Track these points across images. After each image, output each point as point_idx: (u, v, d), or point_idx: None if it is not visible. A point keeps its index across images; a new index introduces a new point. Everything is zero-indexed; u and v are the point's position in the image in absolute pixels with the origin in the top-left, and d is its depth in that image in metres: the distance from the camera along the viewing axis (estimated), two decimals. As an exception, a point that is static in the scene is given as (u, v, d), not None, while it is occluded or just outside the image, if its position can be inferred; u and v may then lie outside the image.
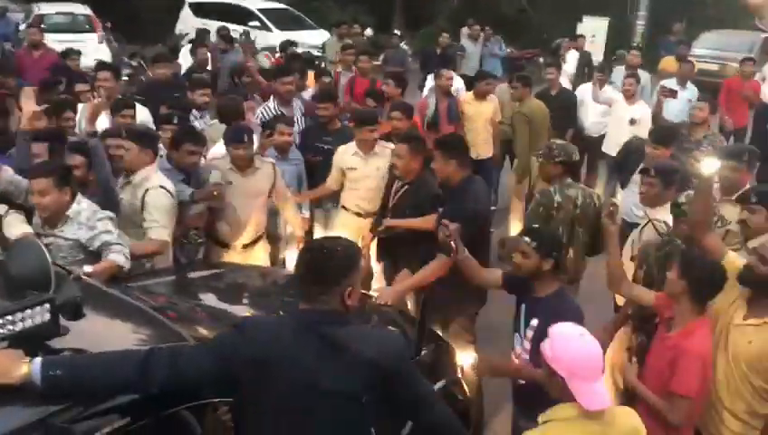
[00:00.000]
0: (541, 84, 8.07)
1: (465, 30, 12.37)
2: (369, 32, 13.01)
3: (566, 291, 3.24)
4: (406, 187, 4.42)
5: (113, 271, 3.33)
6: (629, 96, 7.11)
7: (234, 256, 4.55)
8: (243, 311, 3.37)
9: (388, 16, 19.41)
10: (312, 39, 13.32)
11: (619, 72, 8.40)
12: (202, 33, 10.10)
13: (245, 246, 4.62)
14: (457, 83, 7.56)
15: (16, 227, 3.30)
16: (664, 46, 12.00)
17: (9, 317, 1.96)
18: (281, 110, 5.75)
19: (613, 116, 7.31)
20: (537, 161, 4.65)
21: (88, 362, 2.05)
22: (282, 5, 16.30)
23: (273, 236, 4.95)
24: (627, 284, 3.44)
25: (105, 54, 11.29)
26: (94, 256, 3.46)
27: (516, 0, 19.47)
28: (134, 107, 5.21)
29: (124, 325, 2.52)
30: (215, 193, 4.30)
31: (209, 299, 3.55)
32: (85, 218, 3.48)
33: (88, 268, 3.18)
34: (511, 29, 16.45)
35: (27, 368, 1.92)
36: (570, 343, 2.28)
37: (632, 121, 7.02)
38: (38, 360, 1.94)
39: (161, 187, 3.97)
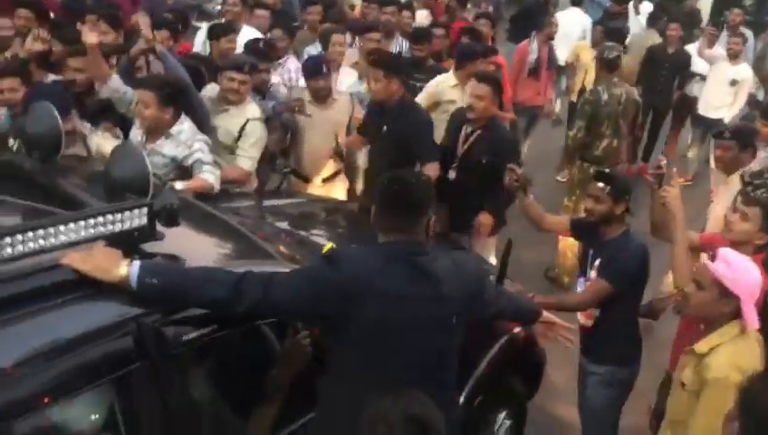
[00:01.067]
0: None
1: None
2: None
3: (631, 232, 3.23)
4: (477, 132, 4.23)
5: (203, 189, 3.44)
6: (734, 56, 6.80)
7: (314, 190, 4.62)
8: (325, 239, 3.39)
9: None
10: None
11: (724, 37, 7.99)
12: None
13: (325, 181, 4.68)
14: (584, 22, 7.72)
15: (107, 144, 3.41)
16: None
17: (109, 217, 2.01)
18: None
19: (714, 75, 6.98)
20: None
21: (183, 274, 2.08)
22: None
23: (352, 170, 4.96)
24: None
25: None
26: (186, 175, 3.58)
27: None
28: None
29: (215, 238, 2.57)
30: (296, 107, 4.42)
31: (294, 225, 3.60)
32: (185, 138, 3.60)
33: (179, 184, 3.28)
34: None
35: (126, 270, 1.95)
36: (749, 267, 2.39)
37: (733, 83, 6.77)
38: (137, 264, 1.96)
39: (260, 120, 4.12)
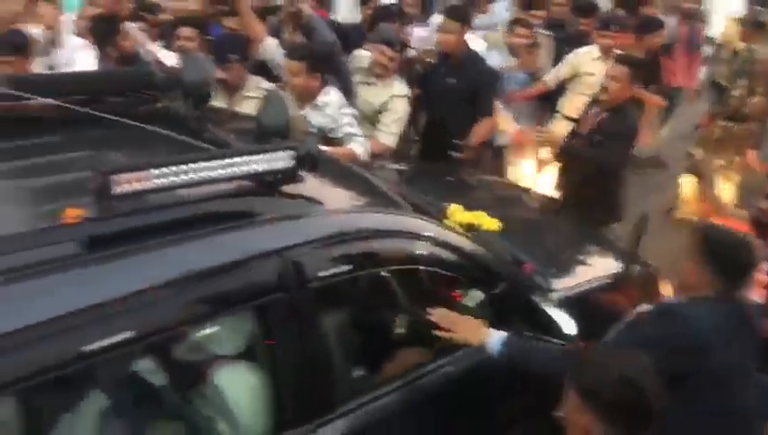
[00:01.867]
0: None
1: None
2: None
3: None
4: (606, 113, 4.10)
5: (350, 158, 3.55)
6: None
7: None
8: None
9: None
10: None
11: None
12: None
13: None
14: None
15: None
16: None
17: (256, 157, 2.11)
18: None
19: None
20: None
21: (534, 353, 2.30)
22: None
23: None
24: None
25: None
26: (329, 144, 3.74)
27: None
28: None
29: (350, 187, 2.65)
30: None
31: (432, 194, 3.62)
32: (331, 111, 3.74)
33: (325, 148, 3.43)
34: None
35: (486, 337, 2.28)
36: None
37: None
38: (497, 335, 2.27)
39: (405, 96, 4.18)
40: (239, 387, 2.10)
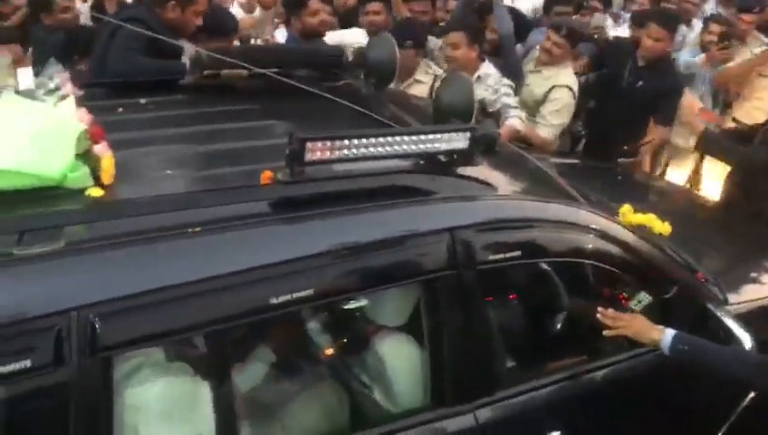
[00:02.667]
0: None
1: None
2: None
3: None
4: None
5: (513, 134, 3.53)
6: None
7: None
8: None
9: None
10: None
11: None
12: None
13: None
14: None
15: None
16: None
17: (436, 136, 2.15)
18: None
19: None
20: None
21: (710, 350, 2.22)
22: None
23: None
24: None
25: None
26: (486, 117, 3.73)
27: None
28: None
29: (524, 175, 2.63)
30: None
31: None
32: (493, 82, 3.72)
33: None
34: None
35: (659, 335, 2.22)
36: None
37: None
38: (670, 332, 2.21)
39: (569, 87, 4.01)
40: (401, 358, 2.17)
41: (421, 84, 3.95)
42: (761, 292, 2.92)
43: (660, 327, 2.24)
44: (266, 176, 1.92)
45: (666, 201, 3.79)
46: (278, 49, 2.95)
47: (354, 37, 4.09)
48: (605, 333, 2.25)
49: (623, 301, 2.57)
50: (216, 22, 3.35)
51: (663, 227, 3.02)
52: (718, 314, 2.44)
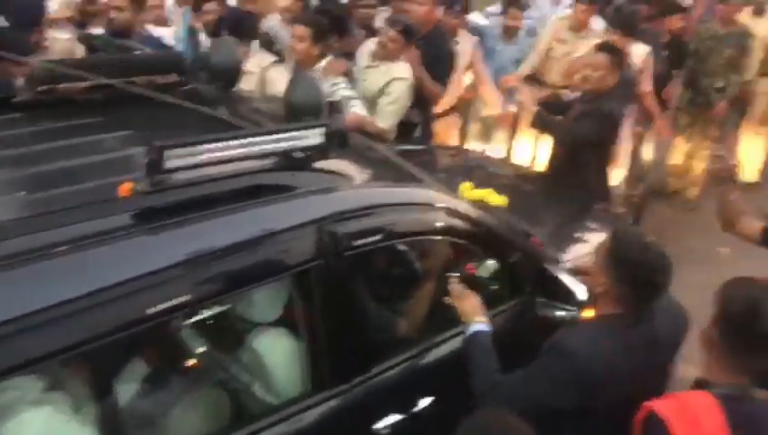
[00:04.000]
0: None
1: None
2: None
3: None
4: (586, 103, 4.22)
5: (358, 122, 3.69)
6: None
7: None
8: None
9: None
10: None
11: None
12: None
13: (439, 115, 4.91)
14: None
15: (280, 77, 3.74)
16: None
17: (292, 133, 2.24)
18: None
19: None
20: None
21: (479, 352, 2.29)
22: None
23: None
24: None
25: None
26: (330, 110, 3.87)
27: None
28: None
29: (380, 163, 2.79)
30: None
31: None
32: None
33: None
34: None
35: (474, 321, 2.35)
36: None
37: None
38: (475, 327, 2.34)
39: (406, 78, 4.22)
40: (279, 352, 2.25)
41: (251, 75, 4.01)
42: (584, 249, 3.31)
43: (479, 317, 2.37)
44: (126, 188, 1.90)
45: (499, 176, 4.14)
46: (117, 58, 2.86)
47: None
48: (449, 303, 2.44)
49: (473, 270, 2.82)
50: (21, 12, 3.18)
51: (500, 200, 3.33)
52: (554, 272, 2.75)
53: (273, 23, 4.35)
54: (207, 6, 4.76)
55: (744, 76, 5.92)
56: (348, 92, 3.94)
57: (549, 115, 4.31)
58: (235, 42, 2.76)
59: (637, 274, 2.06)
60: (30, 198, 1.93)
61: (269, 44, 4.25)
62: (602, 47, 4.21)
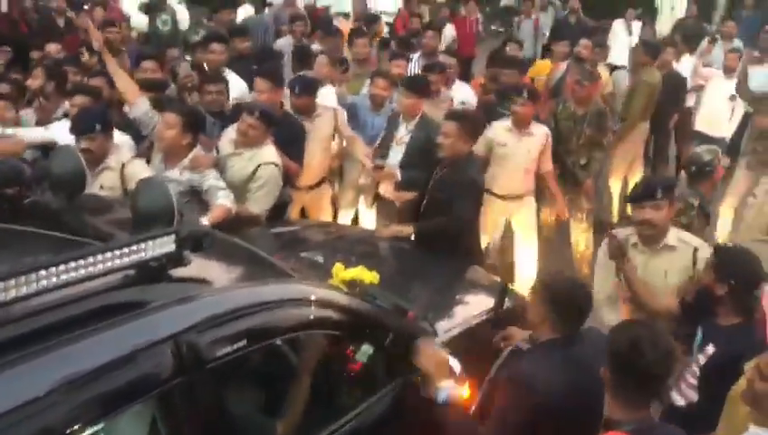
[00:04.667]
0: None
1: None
2: None
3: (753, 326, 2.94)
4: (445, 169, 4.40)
5: (225, 214, 3.75)
6: (731, 70, 6.76)
7: (302, 196, 5.03)
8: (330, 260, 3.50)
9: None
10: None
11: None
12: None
13: (311, 187, 5.03)
14: None
15: (141, 173, 3.68)
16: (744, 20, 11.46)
17: (140, 245, 2.13)
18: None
19: (710, 91, 6.99)
20: None
21: (458, 415, 2.54)
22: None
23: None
24: None
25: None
26: (200, 200, 3.89)
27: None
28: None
29: (240, 262, 2.71)
30: None
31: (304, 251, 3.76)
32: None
33: (204, 219, 3.52)
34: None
35: (444, 383, 2.55)
36: None
37: (732, 97, 6.70)
38: (450, 389, 2.55)
39: (275, 164, 4.25)
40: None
41: (111, 171, 3.87)
42: (461, 316, 3.36)
43: (450, 380, 2.57)
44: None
45: (366, 247, 4.16)
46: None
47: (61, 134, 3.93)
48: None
49: (351, 355, 2.78)
50: None
51: (371, 277, 3.32)
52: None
53: (142, 105, 4.36)
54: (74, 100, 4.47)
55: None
56: (215, 182, 3.96)
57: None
58: (75, 149, 2.62)
59: (564, 301, 2.61)
60: None
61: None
62: (452, 115, 4.38)
